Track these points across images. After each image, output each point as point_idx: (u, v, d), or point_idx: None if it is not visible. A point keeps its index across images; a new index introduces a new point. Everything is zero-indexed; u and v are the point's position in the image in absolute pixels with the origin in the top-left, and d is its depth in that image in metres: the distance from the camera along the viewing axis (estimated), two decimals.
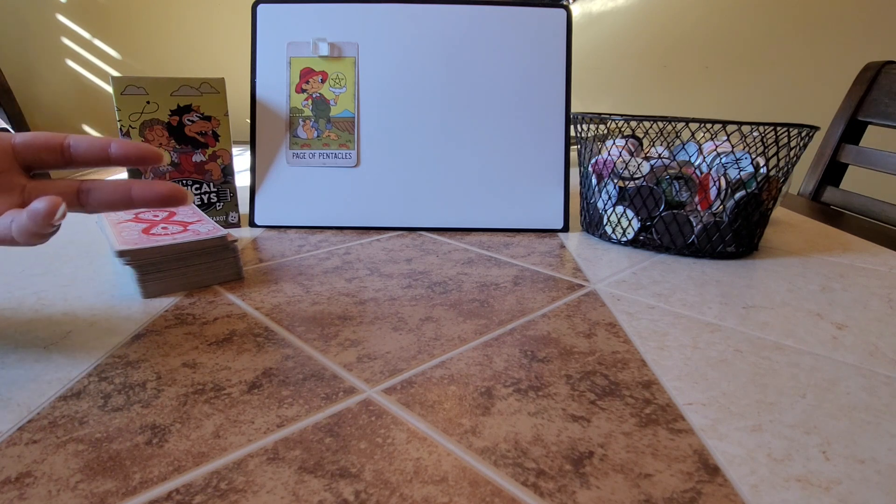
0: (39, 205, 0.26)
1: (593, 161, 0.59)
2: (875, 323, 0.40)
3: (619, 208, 0.57)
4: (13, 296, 0.42)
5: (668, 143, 0.57)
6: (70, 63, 2.21)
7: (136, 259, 0.41)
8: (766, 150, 0.51)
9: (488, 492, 0.23)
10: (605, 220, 0.58)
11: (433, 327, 0.38)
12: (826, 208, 0.83)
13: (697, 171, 0.54)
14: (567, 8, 0.63)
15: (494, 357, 0.34)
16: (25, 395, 0.29)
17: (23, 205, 0.30)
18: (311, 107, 0.62)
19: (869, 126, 0.92)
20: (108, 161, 0.31)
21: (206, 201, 0.60)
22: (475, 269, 0.50)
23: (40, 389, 0.29)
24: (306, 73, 0.62)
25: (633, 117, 0.54)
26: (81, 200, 0.31)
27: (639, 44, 2.04)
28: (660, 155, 0.55)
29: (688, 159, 0.55)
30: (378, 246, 0.56)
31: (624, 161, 0.56)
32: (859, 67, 0.94)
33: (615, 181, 0.57)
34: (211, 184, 0.60)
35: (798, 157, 0.53)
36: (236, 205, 0.61)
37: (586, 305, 0.42)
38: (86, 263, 0.49)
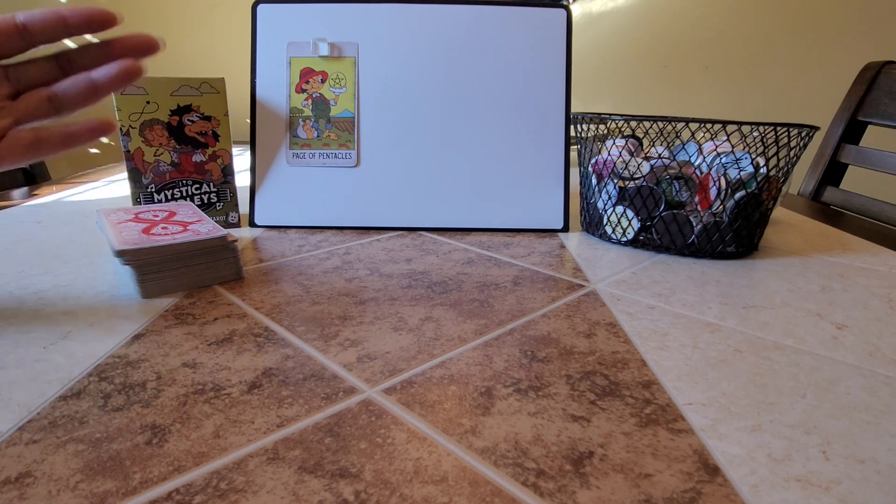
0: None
1: (593, 161, 0.59)
2: (875, 323, 0.40)
3: (619, 208, 0.57)
4: (13, 296, 0.42)
5: (668, 143, 0.57)
6: None
7: (136, 259, 0.41)
8: (766, 150, 0.51)
9: (488, 492, 0.23)
10: (605, 220, 0.58)
11: (433, 327, 0.38)
12: (826, 208, 0.83)
13: (697, 171, 0.54)
14: (567, 8, 0.63)
15: (494, 357, 0.34)
16: (25, 395, 0.29)
17: (12, 93, 0.31)
18: (311, 107, 0.62)
19: (869, 126, 0.92)
20: (66, 27, 0.30)
21: (206, 201, 0.60)
22: (475, 269, 0.50)
23: (40, 389, 0.29)
24: (306, 73, 0.62)
25: (633, 117, 0.54)
26: (56, 105, 0.31)
27: (639, 44, 2.04)
28: (660, 155, 0.55)
29: (688, 159, 0.55)
30: (378, 246, 0.56)
31: (624, 161, 0.56)
32: (859, 67, 0.94)
33: (615, 181, 0.57)
34: (211, 184, 0.60)
35: (798, 157, 0.53)
36: (236, 205, 0.61)
37: (586, 305, 0.42)
38: (86, 263, 0.49)
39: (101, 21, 0.30)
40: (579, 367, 0.33)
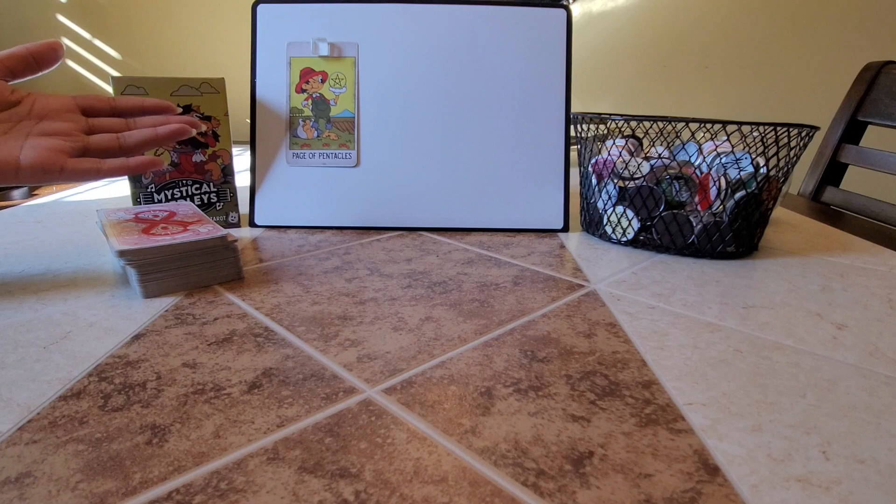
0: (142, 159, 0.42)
1: (593, 161, 0.59)
2: (875, 323, 0.40)
3: (619, 208, 0.57)
4: (13, 296, 0.42)
5: (668, 143, 0.57)
6: (70, 63, 2.21)
7: (136, 259, 0.41)
8: (766, 150, 0.51)
9: (488, 492, 0.23)
10: (605, 220, 0.58)
11: (433, 327, 0.38)
12: (826, 208, 0.83)
13: (697, 171, 0.54)
14: (567, 8, 0.63)
15: (494, 357, 0.34)
16: (25, 395, 0.29)
17: (89, 131, 0.43)
18: (311, 107, 0.62)
19: (869, 126, 0.92)
20: (143, 110, 0.45)
21: (206, 201, 0.60)
22: (475, 269, 0.50)
23: (40, 389, 0.29)
24: (306, 73, 0.62)
25: (633, 117, 0.54)
26: (121, 144, 0.42)
27: (639, 44, 2.04)
28: (660, 155, 0.55)
29: (688, 159, 0.55)
30: (378, 246, 0.56)
31: (624, 161, 0.56)
32: (859, 67, 0.94)
33: (615, 181, 0.57)
34: (211, 184, 0.60)
35: (798, 157, 0.53)
36: (236, 205, 0.61)
37: (586, 305, 0.42)
38: (86, 263, 0.49)
39: (166, 109, 0.46)
40: (579, 367, 0.33)
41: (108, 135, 0.42)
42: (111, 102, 0.45)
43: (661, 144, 0.56)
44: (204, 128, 0.45)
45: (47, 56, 0.41)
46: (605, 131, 0.63)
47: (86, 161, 0.40)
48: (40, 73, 0.42)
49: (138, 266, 0.41)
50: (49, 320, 0.38)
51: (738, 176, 0.53)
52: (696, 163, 0.53)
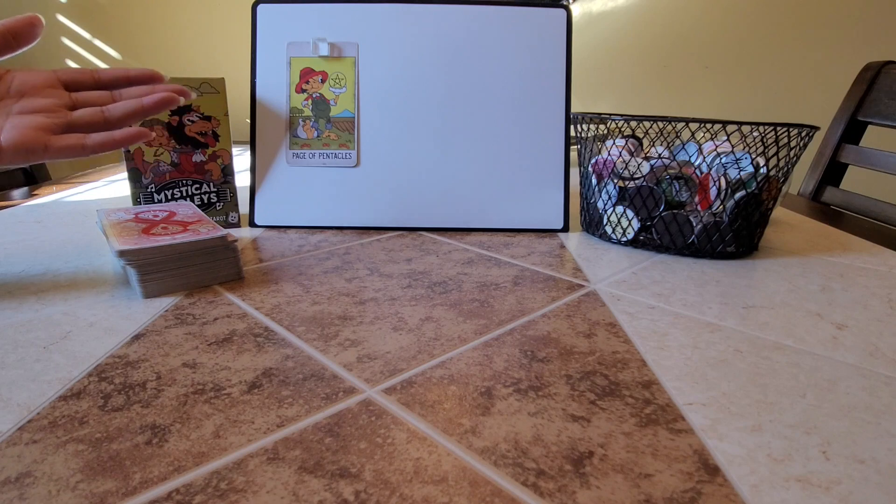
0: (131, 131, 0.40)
1: (593, 161, 0.59)
2: (875, 323, 0.40)
3: (619, 208, 0.57)
4: (13, 296, 0.42)
5: (668, 143, 0.57)
6: (70, 63, 2.21)
7: (136, 259, 0.41)
8: (766, 150, 0.51)
9: (488, 492, 0.23)
10: (605, 220, 0.58)
11: (433, 327, 0.38)
12: (826, 208, 0.83)
13: (697, 171, 0.54)
14: (567, 8, 0.63)
15: (494, 357, 0.34)
16: (25, 395, 0.29)
17: (72, 106, 0.41)
18: (311, 107, 0.62)
19: (869, 126, 0.92)
20: (129, 80, 0.43)
21: (206, 201, 0.60)
22: (475, 269, 0.50)
23: (40, 389, 0.29)
24: (306, 73, 0.62)
25: (633, 117, 0.54)
26: (107, 117, 0.41)
27: (639, 44, 2.04)
28: (660, 155, 0.55)
29: (688, 159, 0.55)
30: (378, 246, 0.56)
31: (624, 161, 0.56)
32: (859, 67, 0.94)
33: (615, 181, 0.57)
34: (211, 184, 0.60)
35: (798, 157, 0.53)
36: (236, 205, 0.61)
37: (586, 305, 0.42)
38: (86, 263, 0.49)
39: (152, 77, 0.43)
40: (579, 367, 0.33)
41: (92, 109, 0.40)
42: (94, 75, 0.43)
43: (661, 144, 0.56)
44: (194, 95, 0.43)
45: (25, 32, 0.38)
46: (605, 131, 0.63)
47: (70, 137, 0.38)
48: (19, 51, 0.39)
49: (138, 266, 0.41)
50: (49, 320, 0.38)
51: (738, 176, 0.53)
52: (696, 163, 0.53)
